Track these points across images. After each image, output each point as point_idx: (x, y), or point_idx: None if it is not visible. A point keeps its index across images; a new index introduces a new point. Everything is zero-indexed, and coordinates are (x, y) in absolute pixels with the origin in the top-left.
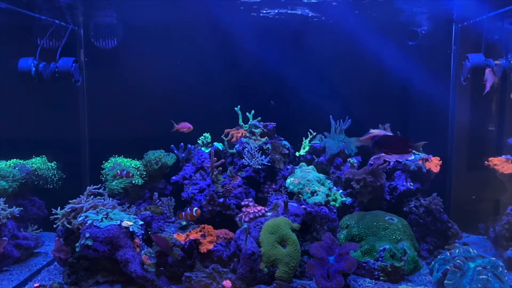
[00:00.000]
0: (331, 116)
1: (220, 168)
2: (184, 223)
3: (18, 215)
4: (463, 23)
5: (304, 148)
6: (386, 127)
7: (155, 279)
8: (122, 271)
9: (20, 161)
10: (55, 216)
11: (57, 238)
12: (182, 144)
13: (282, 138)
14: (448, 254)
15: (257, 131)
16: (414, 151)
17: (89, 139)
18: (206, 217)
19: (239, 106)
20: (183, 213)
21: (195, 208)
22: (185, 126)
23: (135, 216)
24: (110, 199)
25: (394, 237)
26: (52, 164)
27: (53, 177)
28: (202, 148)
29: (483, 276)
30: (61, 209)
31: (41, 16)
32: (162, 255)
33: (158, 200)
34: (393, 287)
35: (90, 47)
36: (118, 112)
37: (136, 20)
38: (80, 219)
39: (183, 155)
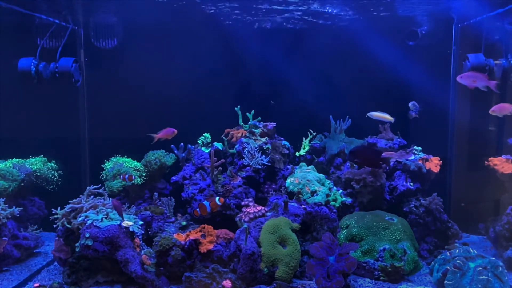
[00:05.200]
0: (331, 116)
1: (220, 168)
2: (184, 223)
3: (18, 215)
4: (463, 23)
5: (304, 148)
6: (386, 127)
7: (155, 279)
8: (122, 271)
9: (20, 160)
10: (55, 216)
11: (57, 238)
12: (182, 144)
13: (282, 138)
14: (448, 254)
15: (257, 131)
16: (385, 164)
17: (89, 139)
18: (206, 217)
19: (239, 106)
20: (198, 209)
21: (218, 197)
22: (167, 132)
23: (135, 216)
24: (110, 199)
25: (394, 237)
26: (52, 164)
27: (53, 177)
28: (202, 148)
29: (483, 277)
30: (61, 209)
31: (41, 16)
32: (162, 255)
33: (158, 200)
34: (393, 287)
35: (90, 47)
36: (118, 112)
37: (136, 20)
38: (80, 219)
39: (183, 155)
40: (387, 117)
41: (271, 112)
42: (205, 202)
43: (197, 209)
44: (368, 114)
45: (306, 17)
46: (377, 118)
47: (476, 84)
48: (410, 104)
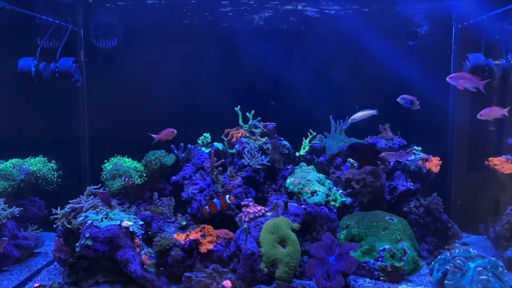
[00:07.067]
0: (331, 116)
1: (220, 168)
2: (184, 223)
3: (18, 215)
4: (463, 23)
5: (304, 148)
6: (386, 127)
7: (155, 279)
8: (122, 271)
9: (20, 160)
10: (55, 216)
11: (57, 238)
12: (182, 144)
13: (282, 138)
14: (448, 254)
15: (257, 131)
16: (383, 165)
17: (89, 139)
18: (206, 217)
19: (239, 106)
20: (207, 207)
21: (228, 196)
22: (167, 133)
23: (135, 216)
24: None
25: (394, 237)
26: (52, 165)
27: (52, 178)
28: (202, 148)
29: (483, 277)
30: (61, 209)
31: (41, 16)
32: (162, 255)
33: (158, 200)
34: (393, 287)
35: (90, 47)
36: (118, 112)
37: (136, 20)
38: (80, 219)
39: (183, 155)
40: (369, 112)
41: (271, 112)
42: (215, 200)
43: (206, 207)
44: (350, 120)
45: (306, 17)
46: (361, 118)
47: (465, 85)
48: (398, 99)
